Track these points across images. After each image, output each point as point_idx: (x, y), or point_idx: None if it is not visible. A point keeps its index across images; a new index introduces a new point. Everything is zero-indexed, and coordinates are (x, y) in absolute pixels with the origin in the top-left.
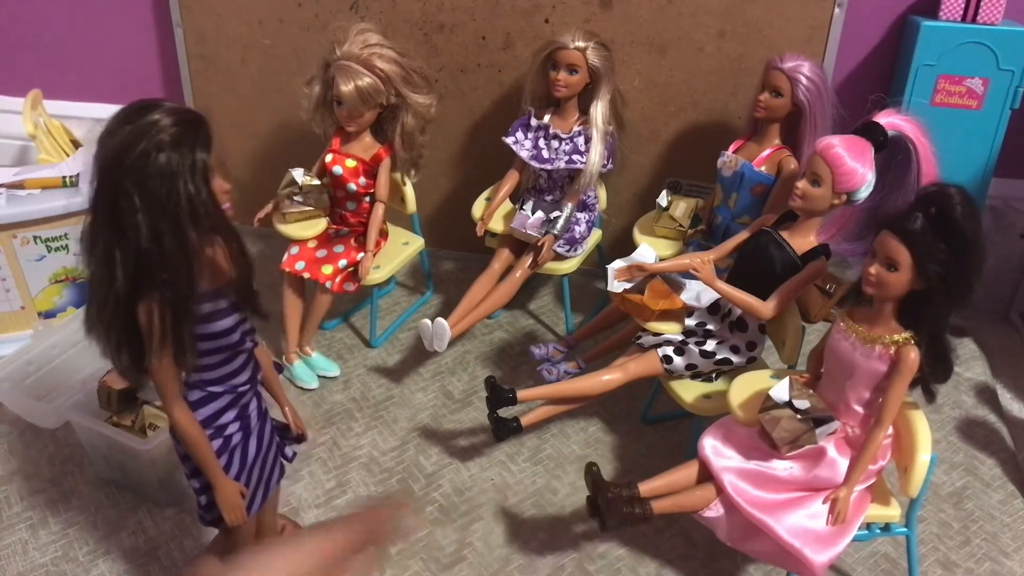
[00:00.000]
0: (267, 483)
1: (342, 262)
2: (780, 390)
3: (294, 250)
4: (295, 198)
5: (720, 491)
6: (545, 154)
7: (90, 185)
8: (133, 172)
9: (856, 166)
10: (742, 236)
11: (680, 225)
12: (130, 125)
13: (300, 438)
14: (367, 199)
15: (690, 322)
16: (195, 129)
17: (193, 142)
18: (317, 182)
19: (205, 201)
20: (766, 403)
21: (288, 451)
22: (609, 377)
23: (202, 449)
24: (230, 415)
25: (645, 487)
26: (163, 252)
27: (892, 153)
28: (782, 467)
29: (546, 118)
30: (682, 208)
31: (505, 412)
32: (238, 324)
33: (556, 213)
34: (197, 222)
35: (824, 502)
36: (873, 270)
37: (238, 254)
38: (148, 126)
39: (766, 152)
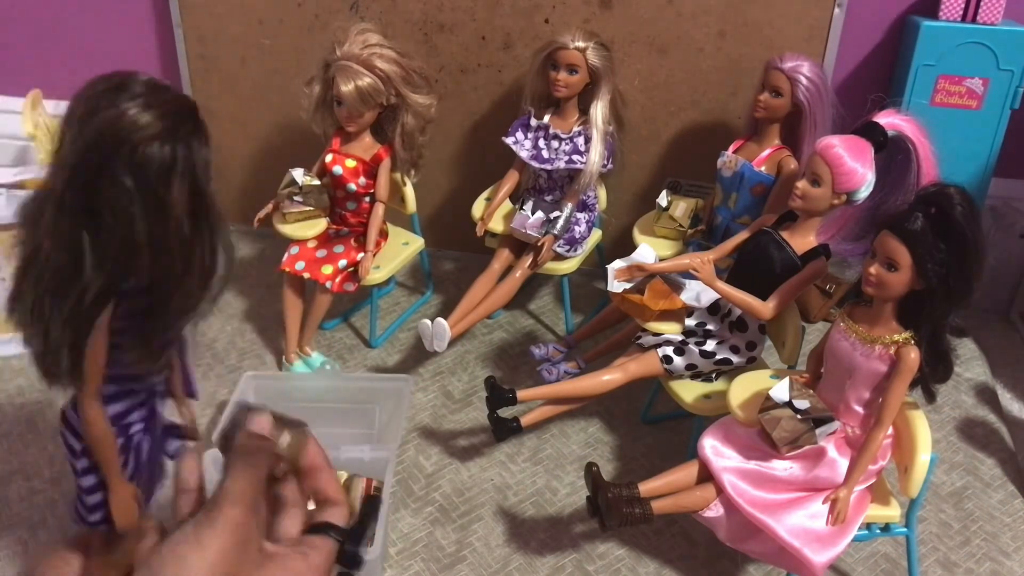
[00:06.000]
0: (152, 485)
1: (342, 262)
2: (780, 390)
3: (294, 250)
4: (295, 198)
5: (720, 491)
6: (545, 154)
7: (56, 157)
8: (125, 158)
9: (856, 166)
10: (742, 236)
11: (680, 225)
12: (115, 103)
13: (189, 436)
14: (367, 199)
15: (690, 322)
16: (192, 116)
17: (192, 131)
18: (317, 182)
19: (206, 196)
20: (766, 403)
21: (170, 447)
22: (609, 377)
23: (109, 448)
24: (138, 414)
25: (645, 487)
26: (154, 246)
27: (892, 153)
28: (782, 467)
29: (546, 118)
30: (682, 208)
31: (505, 412)
32: None
33: (556, 213)
34: (194, 217)
35: (824, 502)
36: (873, 270)
37: (228, 248)
38: (134, 107)
39: (766, 152)
